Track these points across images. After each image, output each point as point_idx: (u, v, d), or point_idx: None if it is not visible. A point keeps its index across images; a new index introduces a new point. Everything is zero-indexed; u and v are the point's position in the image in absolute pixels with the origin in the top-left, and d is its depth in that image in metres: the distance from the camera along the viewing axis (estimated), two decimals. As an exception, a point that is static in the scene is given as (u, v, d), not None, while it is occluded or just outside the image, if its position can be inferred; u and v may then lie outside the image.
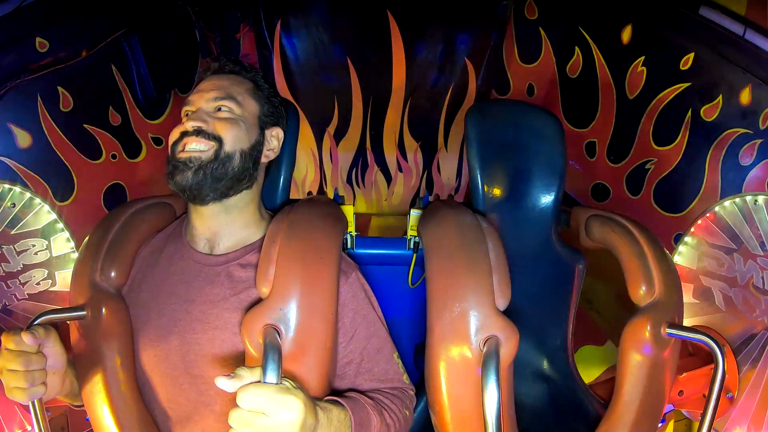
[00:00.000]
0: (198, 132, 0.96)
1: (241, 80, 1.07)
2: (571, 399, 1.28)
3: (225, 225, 1.01)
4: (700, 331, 0.98)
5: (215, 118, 0.99)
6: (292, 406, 0.68)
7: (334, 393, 0.94)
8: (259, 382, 0.69)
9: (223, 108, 1.01)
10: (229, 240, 1.02)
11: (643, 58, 1.59)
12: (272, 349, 0.74)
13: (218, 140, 0.97)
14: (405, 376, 1.04)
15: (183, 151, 0.96)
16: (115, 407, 0.92)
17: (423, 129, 2.43)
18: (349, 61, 2.22)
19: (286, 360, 0.85)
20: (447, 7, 2.10)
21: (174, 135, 0.99)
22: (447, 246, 1.02)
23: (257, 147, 1.04)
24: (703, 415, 0.95)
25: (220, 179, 0.96)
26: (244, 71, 1.09)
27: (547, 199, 1.31)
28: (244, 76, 1.09)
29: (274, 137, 1.10)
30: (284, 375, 0.74)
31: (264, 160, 1.07)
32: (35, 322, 0.86)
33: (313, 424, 0.74)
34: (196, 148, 0.95)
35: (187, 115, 1.02)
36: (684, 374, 1.18)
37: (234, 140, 0.98)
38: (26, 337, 0.81)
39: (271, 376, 0.70)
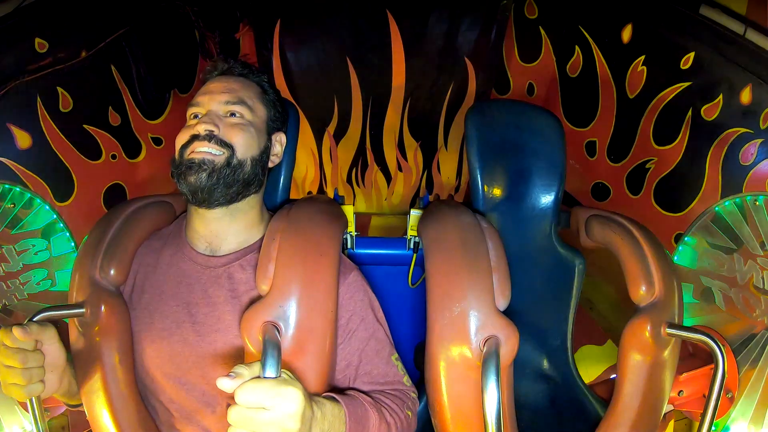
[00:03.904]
0: (210, 137, 0.94)
1: (250, 84, 1.06)
2: (571, 399, 1.28)
3: (228, 228, 1.00)
4: (700, 331, 0.98)
5: (226, 123, 0.97)
6: (292, 397, 0.67)
7: (333, 392, 0.93)
8: (258, 377, 0.69)
9: (235, 113, 0.99)
10: (231, 243, 1.01)
11: (643, 57, 1.59)
12: (271, 344, 0.73)
13: (230, 147, 0.95)
14: (406, 378, 1.03)
15: (193, 152, 0.94)
16: (113, 406, 0.92)
17: (423, 129, 2.43)
18: (349, 61, 2.22)
19: (286, 357, 0.85)
20: (447, 6, 2.10)
21: (183, 137, 0.96)
22: (447, 246, 1.02)
23: (266, 153, 1.04)
24: (703, 415, 0.95)
25: (231, 185, 0.95)
26: (251, 74, 1.08)
27: (547, 199, 1.31)
28: (251, 80, 1.07)
29: (278, 142, 1.09)
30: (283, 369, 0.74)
31: (270, 165, 1.07)
32: (34, 319, 0.85)
33: (312, 417, 0.73)
34: (207, 151, 0.94)
35: (195, 116, 1.00)
36: (684, 374, 1.17)
37: (245, 147, 0.97)
38: (17, 332, 0.79)
39: (270, 371, 0.69)
